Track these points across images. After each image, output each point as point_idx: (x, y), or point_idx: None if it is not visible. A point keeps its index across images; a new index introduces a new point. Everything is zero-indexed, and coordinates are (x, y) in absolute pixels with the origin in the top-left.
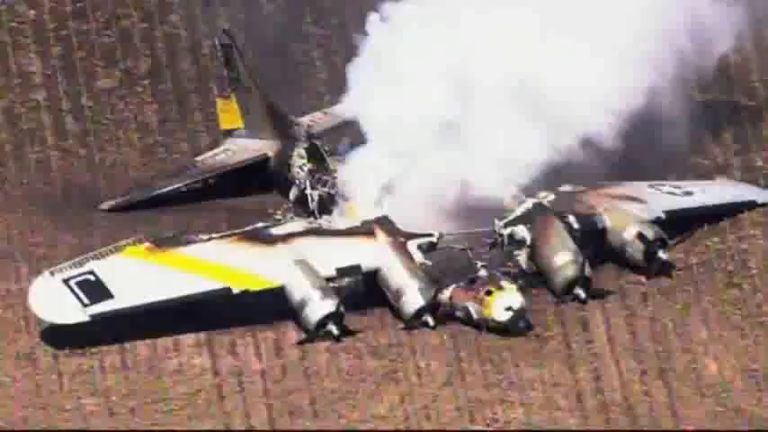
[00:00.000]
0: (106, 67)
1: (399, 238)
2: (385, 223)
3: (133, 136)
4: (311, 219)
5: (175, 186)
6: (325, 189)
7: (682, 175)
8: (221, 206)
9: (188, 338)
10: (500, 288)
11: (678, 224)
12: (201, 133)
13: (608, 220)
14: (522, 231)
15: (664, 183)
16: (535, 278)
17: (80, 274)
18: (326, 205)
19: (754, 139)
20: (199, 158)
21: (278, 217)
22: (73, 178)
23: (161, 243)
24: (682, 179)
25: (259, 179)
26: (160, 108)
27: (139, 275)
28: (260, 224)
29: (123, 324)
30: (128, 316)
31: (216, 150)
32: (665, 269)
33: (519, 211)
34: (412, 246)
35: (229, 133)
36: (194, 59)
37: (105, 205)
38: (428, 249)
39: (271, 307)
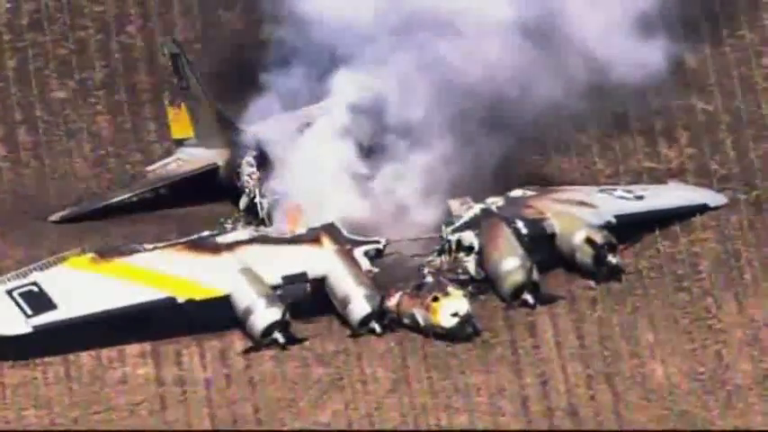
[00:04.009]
0: (60, 78)
1: (345, 245)
2: (331, 230)
3: (85, 147)
4: (260, 227)
5: (125, 196)
6: (275, 197)
7: (635, 179)
8: (172, 215)
9: (133, 348)
10: (446, 294)
11: (630, 228)
12: (155, 144)
13: (557, 225)
14: (469, 237)
15: (615, 187)
16: (483, 284)
17: (23, 285)
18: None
19: (710, 143)
20: (149, 168)
21: (228, 226)
22: (23, 190)
23: (105, 253)
24: (635, 183)
25: (209, 188)
26: (113, 119)
27: (83, 286)
28: (205, 233)
29: (67, 335)
30: (72, 327)
31: (166, 160)
32: (615, 274)
33: (467, 216)
34: (358, 253)
35: (181, 143)
36: (150, 70)
37: (55, 216)
38: (375, 256)
39: (218, 315)
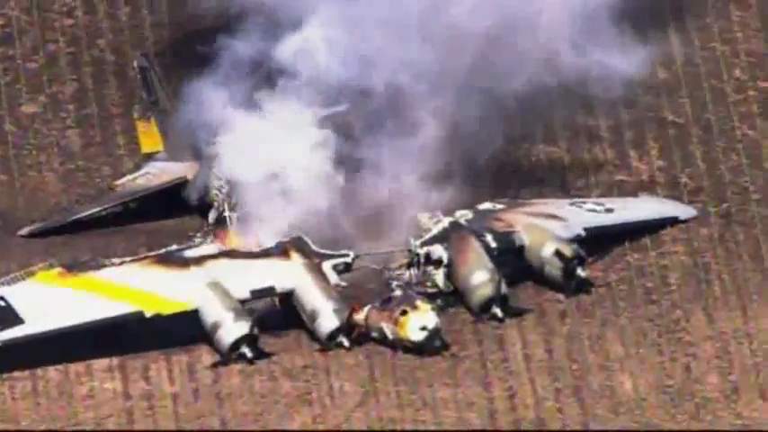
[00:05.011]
0: (31, 92)
1: (314, 258)
2: (299, 244)
3: (55, 161)
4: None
5: (95, 210)
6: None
7: (605, 191)
8: (141, 229)
9: (101, 363)
10: (414, 308)
11: (600, 241)
12: (124, 157)
13: (526, 238)
14: (438, 251)
15: (585, 200)
16: (452, 297)
17: None
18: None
19: (680, 156)
20: (119, 182)
21: (198, 239)
22: None
23: (73, 267)
24: (605, 196)
25: (179, 202)
26: (84, 133)
27: (51, 300)
28: (173, 247)
29: (35, 350)
30: (39, 341)
31: (136, 174)
32: (584, 286)
33: (435, 230)
34: (326, 266)
35: (150, 157)
36: (121, 84)
37: (24, 231)
38: (343, 270)
39: (186, 330)
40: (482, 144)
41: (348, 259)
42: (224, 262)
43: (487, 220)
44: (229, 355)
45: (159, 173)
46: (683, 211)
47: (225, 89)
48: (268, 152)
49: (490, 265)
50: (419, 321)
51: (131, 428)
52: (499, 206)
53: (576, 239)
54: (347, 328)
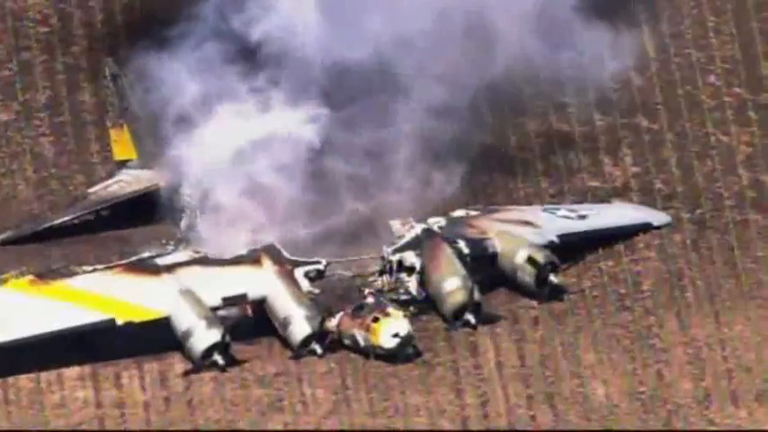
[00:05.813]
0: (4, 100)
1: (286, 265)
2: (271, 251)
3: (28, 169)
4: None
5: (67, 218)
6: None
7: (579, 198)
8: (113, 237)
9: (72, 371)
10: (387, 315)
11: (574, 248)
12: (97, 165)
13: (499, 245)
14: (411, 257)
15: (559, 206)
16: (425, 304)
17: None
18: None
19: (654, 162)
20: (92, 190)
21: (170, 247)
22: None
23: (44, 275)
24: (579, 202)
25: (151, 209)
26: (57, 140)
27: (22, 308)
28: (145, 254)
29: (6, 358)
30: (11, 350)
31: (108, 181)
32: (557, 293)
33: (408, 236)
34: (299, 273)
35: (123, 164)
36: (94, 91)
37: None
38: (315, 277)
39: (157, 337)
40: (456, 149)
41: (320, 266)
42: (196, 269)
43: (460, 227)
44: (201, 363)
45: (132, 180)
46: (657, 217)
47: (198, 78)
48: (243, 148)
49: (463, 271)
50: (391, 328)
51: None
52: (472, 213)
53: (550, 246)
54: (320, 335)
